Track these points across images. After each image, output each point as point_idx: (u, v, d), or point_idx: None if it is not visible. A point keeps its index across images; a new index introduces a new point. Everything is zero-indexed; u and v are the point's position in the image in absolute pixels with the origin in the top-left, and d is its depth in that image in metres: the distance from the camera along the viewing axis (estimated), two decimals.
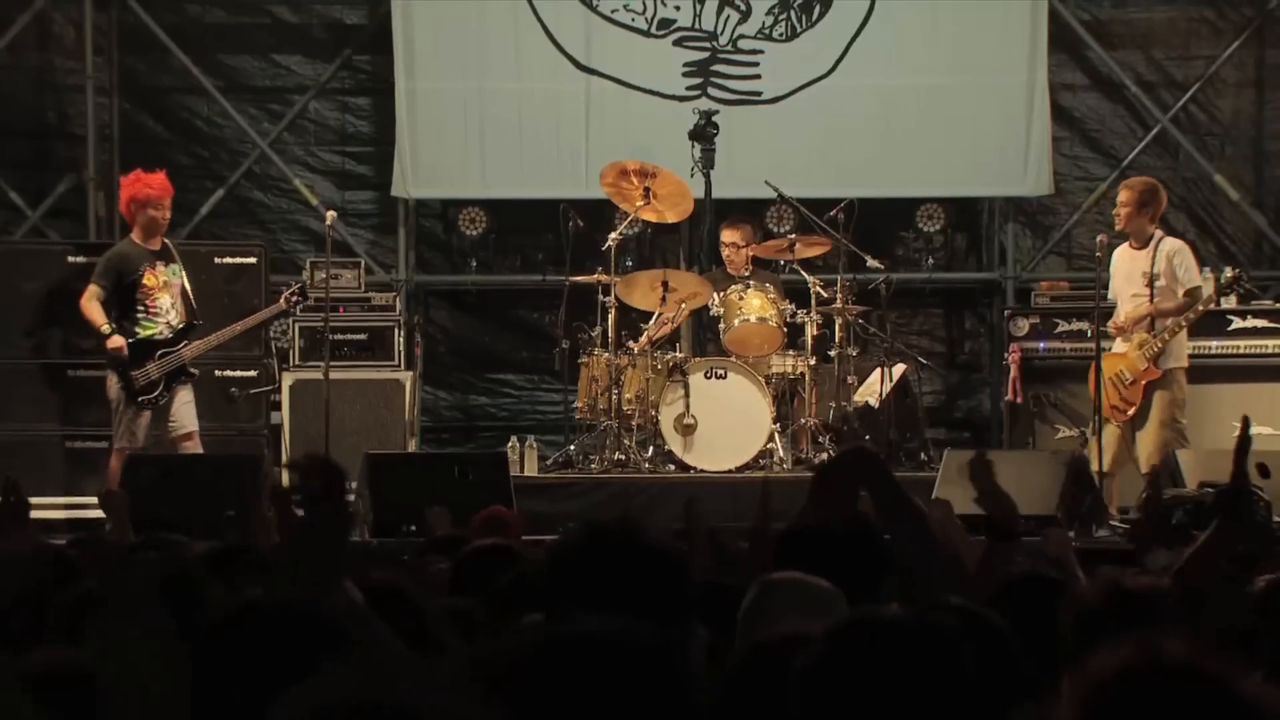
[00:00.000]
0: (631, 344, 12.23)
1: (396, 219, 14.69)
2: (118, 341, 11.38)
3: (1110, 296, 11.54)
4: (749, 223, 13.08)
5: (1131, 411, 11.24)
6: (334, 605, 3.57)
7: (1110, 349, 11.44)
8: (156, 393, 11.44)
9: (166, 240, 11.69)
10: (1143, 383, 11.20)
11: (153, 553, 5.48)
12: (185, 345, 11.54)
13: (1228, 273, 11.88)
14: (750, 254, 12.70)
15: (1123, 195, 11.41)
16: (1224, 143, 14.74)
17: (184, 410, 11.59)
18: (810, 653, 2.73)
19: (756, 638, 3.28)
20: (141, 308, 11.52)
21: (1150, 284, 11.24)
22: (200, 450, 11.60)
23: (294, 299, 11.97)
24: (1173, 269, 11.22)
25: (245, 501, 10.67)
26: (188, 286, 11.72)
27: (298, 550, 3.58)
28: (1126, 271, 11.37)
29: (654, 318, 12.38)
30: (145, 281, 11.48)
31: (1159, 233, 11.42)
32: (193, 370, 11.64)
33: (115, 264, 11.53)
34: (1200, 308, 11.26)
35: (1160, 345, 11.13)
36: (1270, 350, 12.61)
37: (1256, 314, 12.67)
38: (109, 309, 11.45)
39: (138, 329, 11.48)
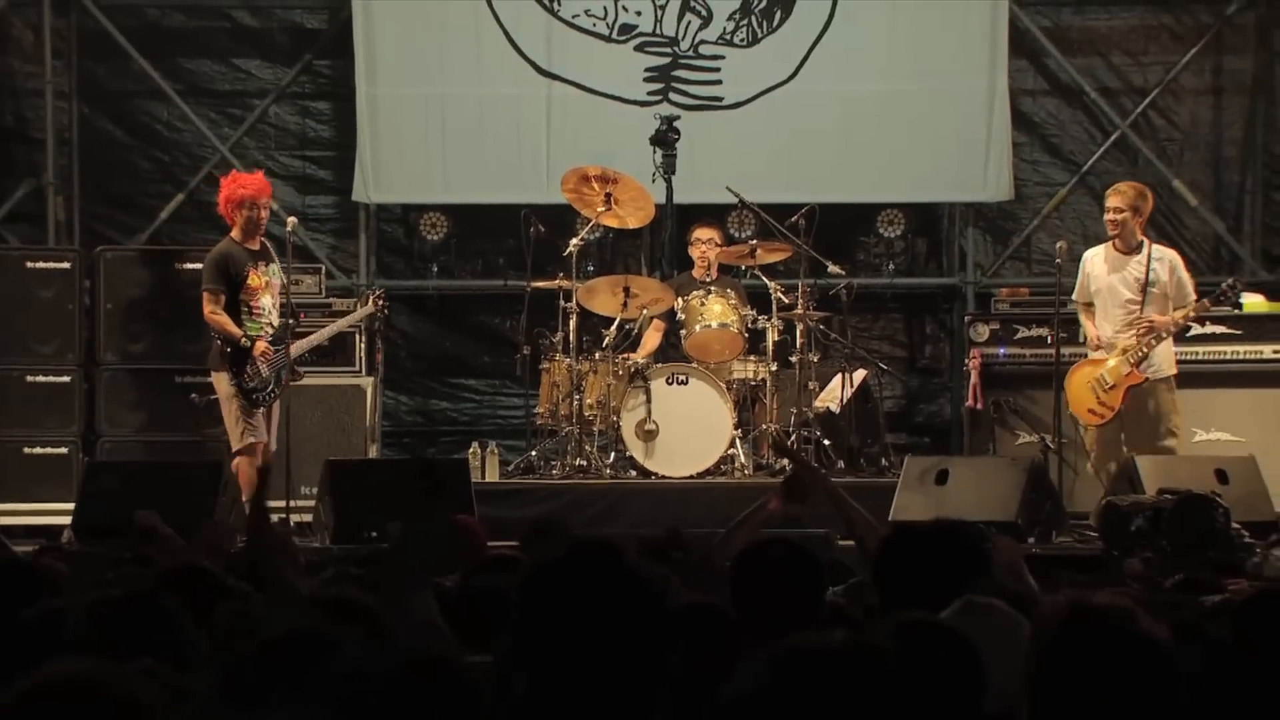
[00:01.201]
0: (631, 355, 12.26)
1: (357, 224, 14.66)
2: (262, 346, 11.36)
3: (1077, 299, 11.53)
4: (720, 223, 13.16)
5: (1110, 416, 11.26)
6: (414, 615, 3.60)
7: (1087, 354, 11.46)
8: (269, 389, 11.39)
9: (265, 240, 11.60)
10: (1124, 388, 11.22)
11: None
12: (289, 344, 11.52)
13: (1227, 281, 11.84)
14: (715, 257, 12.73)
15: (1114, 200, 11.37)
16: (1182, 148, 14.81)
17: (273, 419, 11.62)
18: (745, 682, 2.73)
19: None
20: (245, 308, 11.42)
21: (1144, 290, 11.25)
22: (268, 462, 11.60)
23: (380, 302, 12.02)
24: (1176, 280, 11.27)
25: (196, 513, 10.64)
26: (286, 285, 11.67)
27: (389, 560, 3.65)
28: (1116, 276, 11.33)
29: (629, 335, 12.40)
30: (250, 282, 11.40)
31: (1146, 239, 11.46)
32: (298, 369, 11.61)
33: (223, 264, 11.42)
34: (1182, 318, 11.29)
35: (1146, 350, 11.17)
36: (1229, 356, 12.66)
37: (1215, 320, 12.71)
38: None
39: (243, 330, 11.43)
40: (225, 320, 11.34)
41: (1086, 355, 11.51)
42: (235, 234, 11.52)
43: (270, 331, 11.44)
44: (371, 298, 12.17)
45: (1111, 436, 11.34)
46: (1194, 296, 11.33)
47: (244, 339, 11.30)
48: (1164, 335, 11.18)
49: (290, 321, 11.61)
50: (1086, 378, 11.32)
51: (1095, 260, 11.44)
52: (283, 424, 11.68)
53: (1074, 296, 11.57)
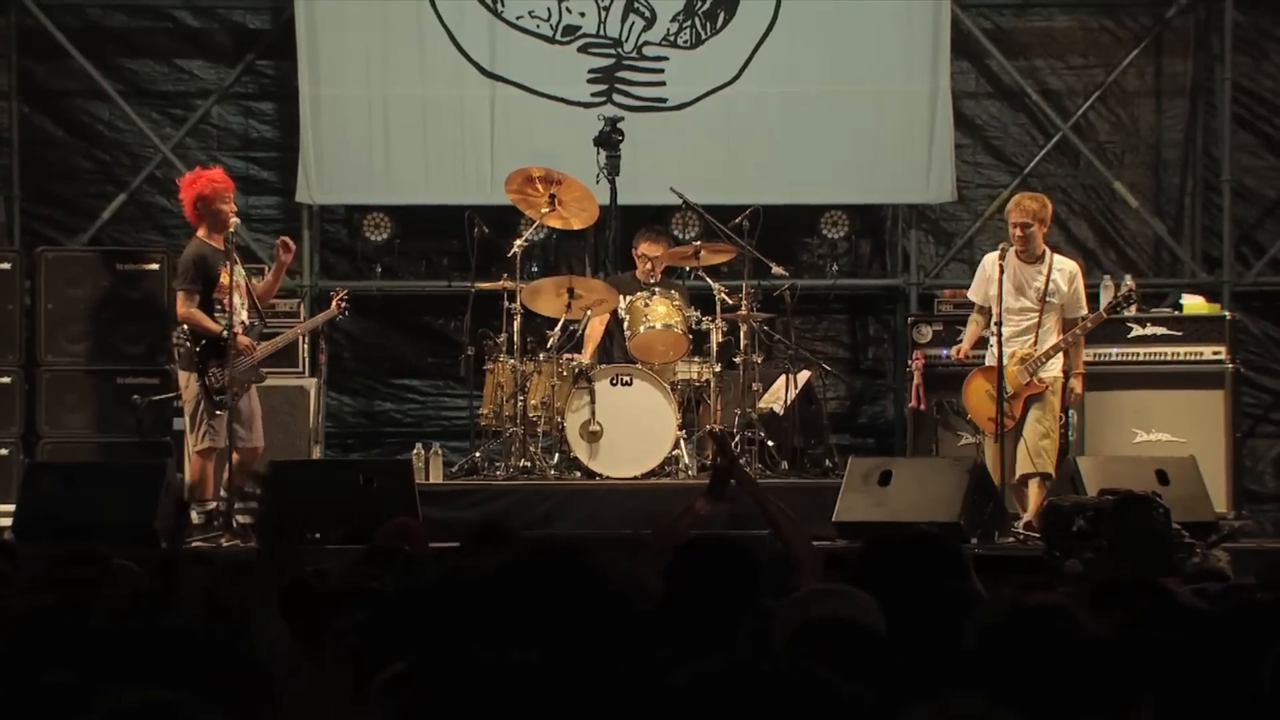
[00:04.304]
0: (575, 356, 12.25)
1: (300, 224, 14.59)
2: (245, 340, 11.30)
3: (973, 299, 11.70)
4: (667, 235, 13.13)
5: (1010, 425, 11.38)
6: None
7: (984, 360, 11.58)
8: (233, 391, 11.28)
9: (227, 239, 11.47)
10: (1023, 397, 11.38)
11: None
12: (255, 346, 11.44)
13: (1127, 282, 12.01)
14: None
15: (1016, 216, 11.54)
16: (1123, 150, 14.89)
17: (257, 422, 11.51)
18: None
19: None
20: (219, 308, 11.34)
21: (1044, 300, 11.41)
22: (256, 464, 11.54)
23: (344, 304, 11.93)
24: (1074, 290, 11.47)
25: (138, 515, 10.60)
26: (251, 285, 11.57)
27: None
28: (1016, 283, 11.47)
29: (573, 335, 12.39)
30: (222, 281, 11.32)
31: (1048, 249, 11.62)
32: (262, 371, 11.51)
33: (198, 264, 11.33)
34: (1080, 330, 11.47)
35: (1043, 361, 11.34)
36: (1169, 357, 12.75)
37: (1155, 321, 12.82)
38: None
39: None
40: (201, 317, 11.26)
41: (983, 361, 11.63)
42: (203, 233, 11.46)
43: (241, 330, 11.37)
44: (335, 300, 12.07)
45: (1007, 445, 11.45)
46: (1085, 309, 11.61)
47: (222, 333, 11.22)
48: (1062, 348, 11.38)
49: (258, 322, 11.55)
50: (984, 386, 11.45)
51: (993, 266, 11.55)
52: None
53: (970, 295, 11.72)
